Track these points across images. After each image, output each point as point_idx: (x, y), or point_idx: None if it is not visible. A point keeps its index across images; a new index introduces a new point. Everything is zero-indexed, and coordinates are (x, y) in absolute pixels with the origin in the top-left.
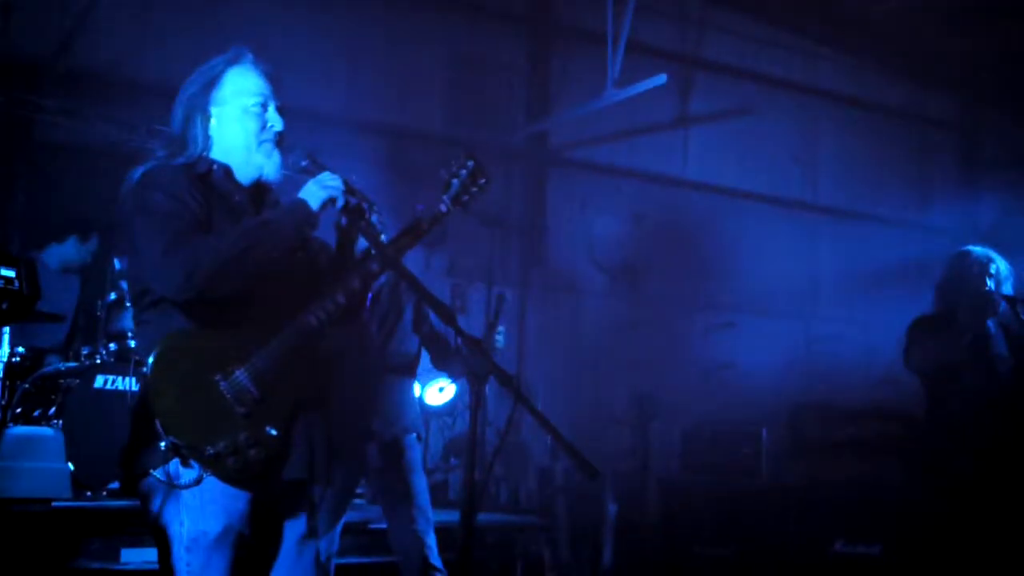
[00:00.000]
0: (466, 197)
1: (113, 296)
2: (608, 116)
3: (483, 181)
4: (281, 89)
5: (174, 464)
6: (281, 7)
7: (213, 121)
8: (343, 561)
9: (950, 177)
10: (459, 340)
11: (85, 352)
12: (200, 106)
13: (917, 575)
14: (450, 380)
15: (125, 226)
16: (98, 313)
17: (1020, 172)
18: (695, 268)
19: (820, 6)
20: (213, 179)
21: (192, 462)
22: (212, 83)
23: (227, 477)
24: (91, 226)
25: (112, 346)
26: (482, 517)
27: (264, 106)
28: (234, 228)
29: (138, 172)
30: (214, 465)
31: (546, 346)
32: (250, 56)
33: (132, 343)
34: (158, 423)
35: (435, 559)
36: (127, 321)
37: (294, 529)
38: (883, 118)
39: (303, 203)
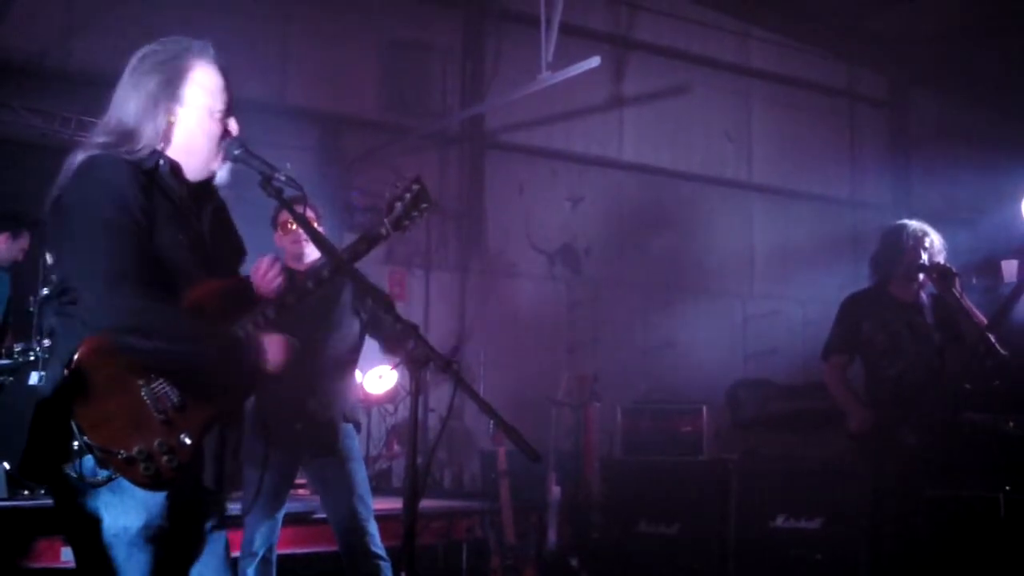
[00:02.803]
0: (407, 222)
1: (46, 291)
2: (544, 99)
3: (425, 206)
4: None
5: (88, 460)
6: None
7: (174, 119)
8: (286, 552)
9: (880, 153)
10: (397, 327)
11: (18, 349)
12: (163, 102)
13: (856, 548)
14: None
15: (61, 219)
16: (30, 309)
17: (948, 147)
18: (632, 249)
19: None
20: (159, 174)
21: (105, 464)
22: (178, 79)
23: (137, 482)
24: (22, 223)
25: (46, 342)
26: (426, 503)
27: (228, 111)
28: (189, 321)
29: (79, 160)
30: (124, 469)
31: (486, 330)
32: (212, 51)
33: None
34: (74, 424)
35: (377, 547)
36: None
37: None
38: (814, 96)
39: (258, 356)
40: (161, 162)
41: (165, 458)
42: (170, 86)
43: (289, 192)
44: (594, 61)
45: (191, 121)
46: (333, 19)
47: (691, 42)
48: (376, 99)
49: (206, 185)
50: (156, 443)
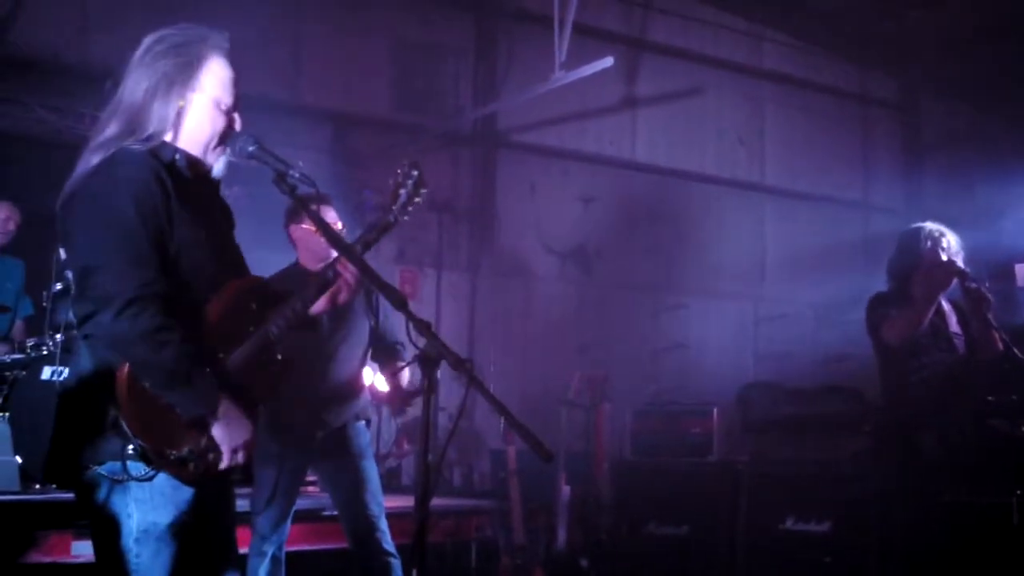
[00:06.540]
0: (411, 208)
1: (58, 286)
2: (557, 99)
3: (424, 191)
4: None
5: (138, 463)
6: None
7: (186, 105)
8: (296, 549)
9: (892, 157)
10: (409, 325)
11: (31, 343)
12: (178, 84)
13: (866, 551)
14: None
15: (77, 219)
16: (44, 304)
17: (960, 151)
18: (644, 250)
19: None
20: (176, 168)
21: (157, 465)
22: (196, 63)
23: (187, 480)
24: None
25: (59, 337)
26: (436, 501)
27: (235, 107)
28: (180, 353)
29: (99, 159)
30: (175, 468)
31: (497, 330)
32: (227, 44)
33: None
34: (126, 425)
35: (388, 544)
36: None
37: None
38: (826, 99)
39: (208, 417)
40: (177, 156)
41: (211, 455)
42: (187, 69)
43: (303, 189)
44: (607, 61)
45: (201, 110)
46: (346, 19)
47: (704, 44)
48: (389, 98)
49: (216, 183)
50: (203, 443)
